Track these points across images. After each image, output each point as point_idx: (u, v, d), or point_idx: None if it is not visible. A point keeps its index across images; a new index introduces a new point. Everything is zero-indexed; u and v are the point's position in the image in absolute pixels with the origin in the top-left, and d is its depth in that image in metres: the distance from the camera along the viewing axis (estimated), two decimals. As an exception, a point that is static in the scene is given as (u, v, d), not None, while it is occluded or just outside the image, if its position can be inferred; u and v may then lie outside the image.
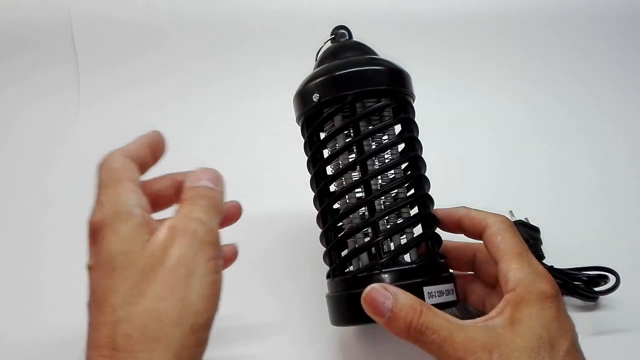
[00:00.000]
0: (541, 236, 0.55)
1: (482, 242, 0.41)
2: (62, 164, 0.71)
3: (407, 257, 0.43)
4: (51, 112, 0.77)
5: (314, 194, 0.45)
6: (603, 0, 0.81)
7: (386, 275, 0.39)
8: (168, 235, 0.32)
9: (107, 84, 0.78)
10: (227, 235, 0.57)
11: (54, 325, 0.53)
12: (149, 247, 0.31)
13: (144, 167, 0.37)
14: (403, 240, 0.43)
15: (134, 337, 0.29)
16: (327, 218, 0.44)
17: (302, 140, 0.46)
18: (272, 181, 0.66)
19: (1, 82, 0.79)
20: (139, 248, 0.31)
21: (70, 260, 0.59)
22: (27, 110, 0.77)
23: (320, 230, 0.44)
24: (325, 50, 0.47)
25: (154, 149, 0.38)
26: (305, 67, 0.46)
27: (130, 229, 0.32)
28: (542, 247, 0.54)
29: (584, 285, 0.49)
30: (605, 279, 0.48)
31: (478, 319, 0.36)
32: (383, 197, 0.43)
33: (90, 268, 0.33)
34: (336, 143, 0.44)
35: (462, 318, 0.37)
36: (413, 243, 0.42)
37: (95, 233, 0.33)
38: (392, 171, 0.44)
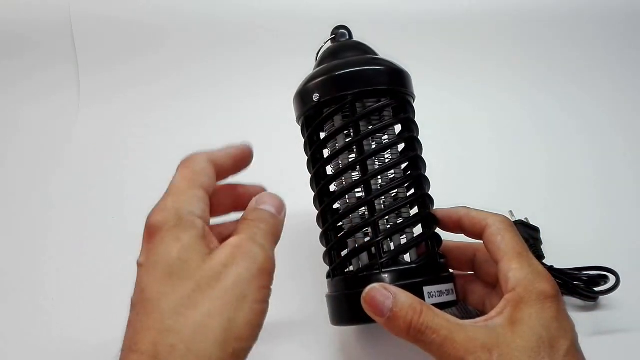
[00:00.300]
0: (541, 236, 0.55)
1: (482, 242, 0.41)
2: (62, 164, 0.71)
3: (407, 257, 0.43)
4: (51, 112, 0.77)
5: (314, 193, 0.45)
6: (603, 0, 0.81)
7: (386, 275, 0.39)
8: (230, 254, 0.32)
9: (107, 84, 0.78)
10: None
11: (54, 325, 0.53)
12: (209, 262, 0.31)
13: (222, 176, 0.38)
14: (403, 240, 0.43)
15: (177, 349, 0.29)
16: (327, 218, 0.44)
17: (302, 140, 0.46)
18: (272, 181, 0.66)
19: (1, 82, 0.79)
20: (198, 260, 0.31)
21: (71, 260, 0.59)
22: (27, 110, 0.77)
23: (320, 230, 0.44)
24: (325, 50, 0.47)
25: (238, 162, 0.39)
26: (305, 67, 0.46)
27: (191, 239, 0.32)
28: (542, 247, 0.54)
29: (584, 285, 0.49)
30: (605, 279, 0.48)
31: (478, 319, 0.36)
32: (383, 197, 0.43)
33: (141, 265, 0.32)
34: (336, 143, 0.44)
35: (462, 318, 0.37)
36: (413, 243, 0.42)
37: (154, 233, 0.32)
38: (392, 171, 0.44)
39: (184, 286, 0.30)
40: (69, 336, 0.52)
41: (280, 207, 0.37)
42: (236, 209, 0.40)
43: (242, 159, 0.39)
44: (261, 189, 0.40)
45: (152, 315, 0.30)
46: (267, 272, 0.33)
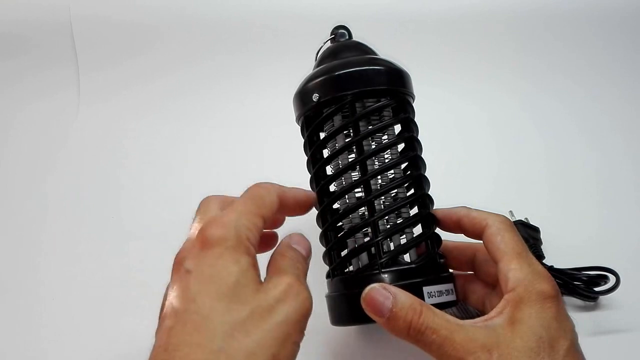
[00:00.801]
0: (541, 236, 0.55)
1: (482, 242, 0.41)
2: (62, 163, 0.71)
3: (406, 257, 0.43)
4: (51, 112, 0.77)
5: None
6: (604, 0, 0.81)
7: (386, 275, 0.39)
8: (283, 291, 0.32)
9: (107, 84, 0.78)
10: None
11: (54, 325, 0.53)
12: (263, 293, 0.32)
13: (280, 212, 0.39)
14: (403, 240, 0.43)
15: None
16: (326, 218, 0.44)
17: (302, 140, 0.46)
18: (273, 181, 0.66)
19: (1, 82, 0.79)
20: (254, 288, 0.31)
21: (70, 259, 0.59)
22: (27, 110, 0.77)
23: (320, 230, 0.44)
24: (325, 50, 0.47)
25: (299, 206, 0.41)
26: (305, 67, 0.46)
27: (248, 265, 0.32)
28: (542, 247, 0.54)
29: (584, 285, 0.49)
30: (605, 279, 0.48)
31: (478, 319, 0.36)
32: (383, 197, 0.43)
33: (190, 272, 0.32)
34: (336, 143, 0.44)
35: (462, 318, 0.37)
36: (413, 243, 0.42)
37: (210, 245, 0.32)
38: (392, 171, 0.44)
39: (239, 310, 0.30)
40: (69, 336, 0.52)
41: (310, 252, 0.38)
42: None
43: (303, 205, 0.41)
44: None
45: (202, 331, 0.29)
46: (307, 317, 0.33)
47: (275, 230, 0.43)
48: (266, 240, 0.40)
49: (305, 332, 0.32)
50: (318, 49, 0.48)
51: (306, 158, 0.46)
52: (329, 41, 0.48)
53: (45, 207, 0.66)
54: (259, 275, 0.33)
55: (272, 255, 0.37)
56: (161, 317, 0.32)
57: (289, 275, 0.34)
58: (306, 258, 0.37)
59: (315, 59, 0.47)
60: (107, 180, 0.69)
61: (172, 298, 0.32)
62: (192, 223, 0.37)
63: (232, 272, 0.31)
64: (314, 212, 0.45)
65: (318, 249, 0.45)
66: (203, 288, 0.31)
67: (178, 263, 0.33)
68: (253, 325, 0.30)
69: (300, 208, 0.41)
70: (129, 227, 0.63)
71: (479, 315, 0.38)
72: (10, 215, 0.66)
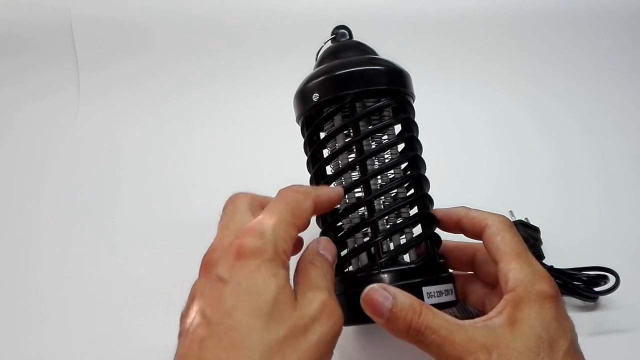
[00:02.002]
0: (541, 236, 0.55)
1: (481, 242, 0.41)
2: (62, 163, 0.71)
3: (406, 257, 0.43)
4: (51, 112, 0.77)
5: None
6: (604, 0, 0.81)
7: (385, 275, 0.39)
8: (319, 310, 0.32)
9: (107, 84, 0.79)
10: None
11: (53, 324, 0.53)
12: (299, 311, 0.31)
13: (311, 215, 0.37)
14: (402, 240, 0.43)
15: None
16: (326, 218, 0.43)
17: (302, 140, 0.46)
18: (272, 181, 0.66)
19: (1, 82, 0.79)
20: (291, 305, 0.31)
21: (69, 260, 0.59)
22: (27, 110, 0.78)
23: (320, 230, 0.44)
24: (325, 50, 0.47)
25: (329, 208, 0.40)
26: (305, 67, 0.46)
27: (284, 280, 0.31)
28: (542, 247, 0.54)
29: (583, 285, 0.49)
30: (605, 279, 0.48)
31: (477, 319, 0.36)
32: (382, 197, 0.43)
33: (225, 282, 0.31)
34: (336, 143, 0.44)
35: (462, 318, 0.37)
36: (412, 243, 0.42)
37: (246, 255, 0.31)
38: (392, 171, 0.44)
39: (276, 329, 0.29)
40: (68, 335, 0.52)
41: (336, 258, 0.38)
42: None
43: (334, 205, 0.40)
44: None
45: (240, 349, 0.28)
46: (339, 336, 0.33)
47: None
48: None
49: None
50: (318, 48, 0.48)
51: (306, 158, 0.46)
52: (330, 41, 0.48)
53: (45, 206, 0.66)
54: (293, 290, 0.32)
55: (300, 262, 0.36)
56: (189, 322, 0.31)
57: (322, 291, 0.33)
58: (332, 265, 0.37)
59: (316, 59, 0.47)
60: (107, 180, 0.69)
61: (204, 305, 0.30)
62: (220, 222, 0.36)
63: (270, 287, 0.30)
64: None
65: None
66: (240, 302, 0.30)
67: (208, 266, 0.32)
68: (289, 346, 0.29)
69: (330, 208, 0.40)
70: (128, 226, 0.63)
71: (478, 315, 0.38)
72: (10, 214, 0.66)
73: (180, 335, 0.32)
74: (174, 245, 0.59)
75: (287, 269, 0.32)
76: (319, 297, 0.32)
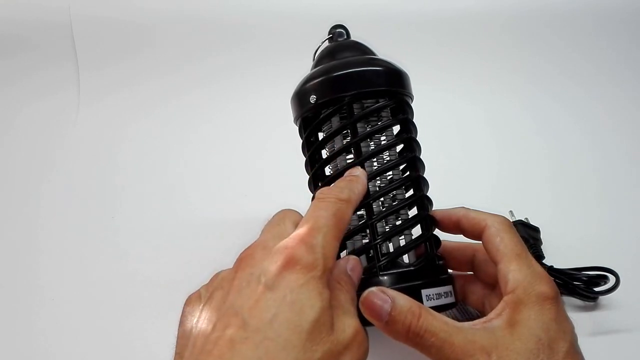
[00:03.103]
0: (541, 236, 0.55)
1: (481, 242, 0.41)
2: (62, 163, 0.71)
3: (405, 258, 0.43)
4: (51, 112, 0.77)
5: (312, 195, 0.45)
6: (604, 0, 0.81)
7: (384, 278, 0.39)
8: (352, 337, 0.31)
9: (107, 84, 0.79)
10: (228, 235, 0.57)
11: (54, 325, 0.53)
12: (334, 335, 0.30)
13: None
14: (402, 241, 0.43)
15: None
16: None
17: (300, 141, 0.46)
18: (272, 181, 0.66)
19: (1, 82, 0.79)
20: (328, 328, 0.30)
21: (70, 259, 0.59)
22: (27, 110, 0.78)
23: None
24: (322, 50, 0.46)
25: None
26: (303, 67, 0.46)
27: (327, 302, 0.31)
28: (542, 247, 0.54)
29: (583, 285, 0.49)
30: (605, 279, 0.48)
31: (477, 321, 0.36)
32: (381, 199, 0.43)
33: (270, 288, 0.30)
34: (334, 144, 0.44)
35: (462, 319, 0.37)
36: (411, 245, 0.41)
37: (295, 267, 0.30)
38: (391, 172, 0.44)
39: (312, 351, 0.29)
40: (69, 336, 0.52)
41: (359, 281, 0.37)
42: None
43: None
44: None
45: None
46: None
47: None
48: None
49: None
50: (316, 48, 0.47)
51: (304, 159, 0.46)
52: (327, 41, 0.47)
53: (45, 207, 0.66)
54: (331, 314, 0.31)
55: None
56: (215, 314, 0.30)
57: (354, 318, 0.33)
58: (356, 288, 0.36)
59: (313, 59, 0.47)
60: (107, 180, 0.69)
61: (241, 305, 0.30)
62: (266, 226, 0.36)
63: (315, 306, 0.30)
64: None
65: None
66: (283, 314, 0.29)
67: (248, 263, 0.32)
68: None
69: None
70: (129, 227, 0.63)
71: (479, 316, 0.38)
72: (10, 214, 0.66)
73: (188, 315, 0.32)
74: (174, 245, 0.59)
75: (330, 289, 0.32)
76: (353, 325, 0.32)
